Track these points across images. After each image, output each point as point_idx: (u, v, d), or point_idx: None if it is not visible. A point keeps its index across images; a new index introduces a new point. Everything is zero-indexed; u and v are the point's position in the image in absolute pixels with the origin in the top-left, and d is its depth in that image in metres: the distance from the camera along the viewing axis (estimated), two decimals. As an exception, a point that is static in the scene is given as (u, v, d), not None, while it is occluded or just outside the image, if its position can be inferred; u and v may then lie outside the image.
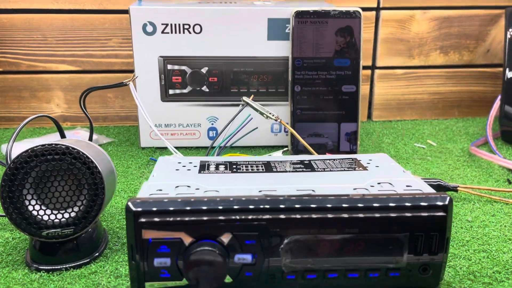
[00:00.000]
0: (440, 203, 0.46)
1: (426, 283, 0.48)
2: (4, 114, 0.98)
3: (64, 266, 0.52)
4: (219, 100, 0.88)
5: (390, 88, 1.06)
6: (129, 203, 0.44)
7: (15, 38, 0.93)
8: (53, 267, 0.52)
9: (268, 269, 0.45)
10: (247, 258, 0.45)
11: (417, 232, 0.46)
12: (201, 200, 0.45)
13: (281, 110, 0.88)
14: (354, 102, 0.84)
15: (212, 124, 0.89)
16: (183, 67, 0.85)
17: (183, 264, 0.43)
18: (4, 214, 0.50)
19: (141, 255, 0.44)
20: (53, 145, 0.50)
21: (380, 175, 0.55)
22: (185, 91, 0.87)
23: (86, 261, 0.53)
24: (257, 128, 0.87)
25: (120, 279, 0.50)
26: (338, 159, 0.63)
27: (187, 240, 0.44)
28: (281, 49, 0.85)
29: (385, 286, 0.47)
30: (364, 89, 1.05)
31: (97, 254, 0.54)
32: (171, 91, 0.86)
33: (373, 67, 1.04)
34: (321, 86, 0.83)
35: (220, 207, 0.44)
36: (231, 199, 0.45)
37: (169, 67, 0.85)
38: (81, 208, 0.51)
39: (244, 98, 0.78)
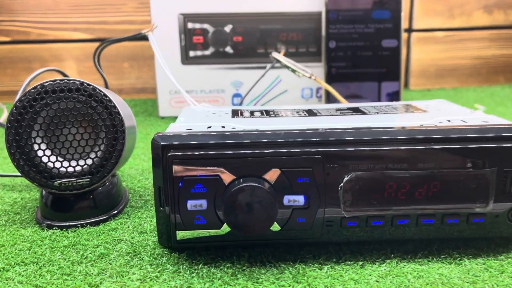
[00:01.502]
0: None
1: (515, 232, 0.39)
2: (14, 87, 0.91)
3: (79, 223, 0.45)
4: (244, 63, 0.80)
5: (428, 53, 0.97)
6: (156, 137, 0.37)
7: (25, 4, 0.87)
8: (68, 224, 0.44)
9: (324, 214, 0.37)
10: (299, 200, 0.37)
11: (507, 166, 0.37)
12: (241, 133, 0.37)
13: (314, 73, 0.80)
14: (396, 58, 0.76)
15: (237, 89, 0.82)
16: (205, 25, 0.78)
17: (223, 206, 0.35)
18: (11, 161, 0.43)
19: (172, 197, 0.36)
20: (65, 81, 0.43)
21: (446, 114, 0.47)
22: (207, 52, 0.79)
23: (104, 217, 0.46)
24: (286, 91, 0.79)
25: (145, 234, 0.42)
26: (390, 105, 0.54)
27: (227, 178, 0.36)
28: (313, 2, 0.77)
29: (465, 235, 0.39)
30: (399, 54, 0.96)
31: (116, 211, 0.47)
32: (191, 53, 0.79)
33: (409, 30, 0.96)
34: (358, 41, 0.75)
35: (265, 140, 0.37)
36: (278, 132, 0.37)
37: (190, 25, 0.78)
38: (98, 154, 0.44)
39: (274, 53, 0.71)
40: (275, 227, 0.37)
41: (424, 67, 0.97)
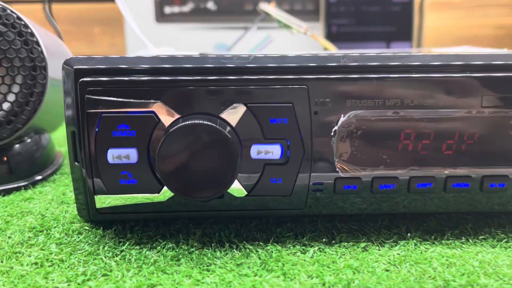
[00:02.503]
0: None
1: None
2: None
3: (-17, 190, 0.33)
4: (229, 21, 0.69)
5: (444, 20, 0.85)
6: (68, 60, 0.25)
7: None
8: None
9: (310, 174, 0.26)
10: (273, 151, 0.25)
11: None
12: (190, 57, 0.26)
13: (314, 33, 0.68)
14: (408, 15, 0.64)
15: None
16: (184, -24, 0.67)
17: (157, 158, 0.23)
18: None
19: (87, 145, 0.25)
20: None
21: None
22: (185, 9, 0.68)
23: (21, 184, 0.34)
24: (279, 53, 0.67)
25: (66, 205, 0.31)
26: (399, 52, 0.43)
27: (167, 116, 0.24)
28: (310, -51, 0.66)
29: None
30: (410, 21, 0.84)
31: (39, 177, 0.35)
32: (167, 9, 0.68)
33: (422, -7, 0.84)
34: (363, -6, 0.64)
35: (225, 64, 0.25)
36: (244, 55, 0.26)
37: (166, -24, 0.66)
38: (9, 99, 0.32)
39: (262, 5, 0.59)
40: (239, 191, 0.26)
41: (439, 36, 0.85)
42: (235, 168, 0.23)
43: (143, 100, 0.24)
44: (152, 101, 0.24)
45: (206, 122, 0.23)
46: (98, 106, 0.24)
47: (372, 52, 0.29)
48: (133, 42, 0.67)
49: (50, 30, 0.51)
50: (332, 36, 0.64)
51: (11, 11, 0.32)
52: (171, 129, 0.23)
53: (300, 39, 0.63)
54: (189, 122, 0.23)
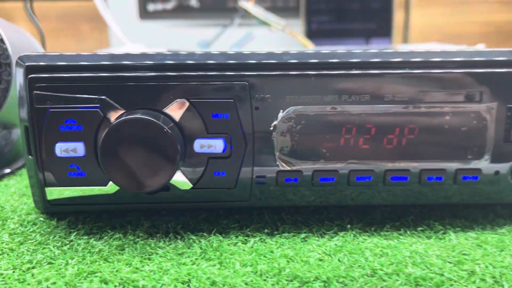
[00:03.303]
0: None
1: (523, 197, 0.28)
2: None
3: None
4: (212, 18, 0.69)
5: (430, 17, 0.86)
6: (21, 57, 0.26)
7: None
8: None
9: (253, 167, 0.27)
10: (216, 145, 0.26)
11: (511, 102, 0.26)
12: (136, 54, 0.27)
13: (292, 30, 0.68)
14: (388, 11, 0.64)
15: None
16: (166, -26, 0.67)
17: (102, 151, 0.24)
18: None
19: (38, 139, 0.26)
20: None
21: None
22: (168, 6, 0.69)
23: (-13, 178, 0.35)
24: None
25: (26, 197, 0.32)
26: (368, 48, 0.43)
27: (112, 111, 0.25)
28: None
29: (453, 201, 0.28)
30: (397, 18, 0.85)
31: (8, 171, 0.37)
32: (151, 6, 0.69)
33: (408, -11, 0.85)
34: (342, -9, 0.64)
35: (167, 62, 0.26)
36: (187, 53, 0.27)
37: (149, -26, 0.67)
38: (-25, 95, 0.34)
39: (241, 2, 0.60)
40: (185, 184, 0.27)
41: (426, 34, 0.86)
42: (175, 161, 0.24)
43: (89, 96, 0.25)
44: (97, 96, 0.25)
45: (146, 117, 0.24)
46: (46, 102, 0.25)
47: (312, 50, 0.30)
48: (116, 38, 0.68)
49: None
50: (312, 33, 0.65)
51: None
52: (113, 123, 0.24)
53: (279, 36, 0.64)
54: (130, 116, 0.24)
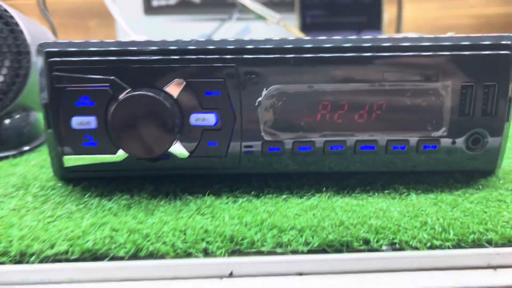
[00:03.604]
0: (501, 42, 0.30)
1: (475, 164, 0.32)
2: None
3: (-23, 157, 0.39)
4: (213, 13, 0.74)
5: (422, 11, 0.89)
6: (41, 43, 0.31)
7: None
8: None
9: (241, 138, 0.31)
10: (209, 118, 0.30)
11: (465, 80, 0.30)
12: (139, 41, 0.31)
13: (288, 24, 0.72)
14: (378, 5, 0.68)
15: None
16: (169, -28, 0.72)
17: (111, 123, 0.29)
18: None
19: (56, 114, 0.30)
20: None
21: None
22: (171, 2, 0.73)
23: (12, 153, 0.40)
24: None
25: (45, 168, 0.37)
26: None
27: (120, 90, 0.30)
28: None
29: (416, 168, 0.32)
30: (390, 12, 0.89)
31: (27, 148, 0.41)
32: (155, 2, 0.73)
33: (400, -16, 0.88)
34: (334, -14, 0.68)
35: (165, 47, 0.30)
36: (183, 40, 0.31)
37: (153, -28, 0.72)
38: (1, 80, 0.38)
39: (239, -3, 0.64)
40: (182, 154, 0.31)
41: (418, 27, 0.89)
42: (174, 132, 0.29)
43: (100, 76, 0.30)
44: (107, 77, 0.30)
45: (149, 93, 0.29)
46: (63, 82, 0.30)
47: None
48: (123, 33, 0.72)
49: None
50: (306, 26, 0.69)
51: (5, 9, 0.38)
52: (121, 99, 0.29)
53: (275, 29, 0.68)
54: (135, 92, 0.29)
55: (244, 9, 0.66)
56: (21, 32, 0.38)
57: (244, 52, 0.30)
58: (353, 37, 0.31)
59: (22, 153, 0.41)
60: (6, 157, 0.39)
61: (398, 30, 0.91)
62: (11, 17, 0.38)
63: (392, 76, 0.30)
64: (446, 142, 0.31)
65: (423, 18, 0.90)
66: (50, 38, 0.44)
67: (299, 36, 0.62)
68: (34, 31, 0.40)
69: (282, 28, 0.66)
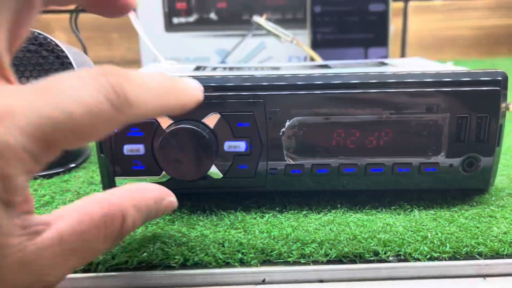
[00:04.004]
0: (492, 78, 0.35)
1: (470, 183, 0.37)
2: None
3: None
4: (228, 30, 0.79)
5: (426, 23, 0.94)
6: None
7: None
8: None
9: (267, 161, 0.36)
10: (240, 145, 0.35)
11: (461, 112, 0.35)
12: (181, 76, 0.36)
13: (300, 40, 0.77)
14: (383, 23, 0.73)
15: (222, 58, 0.80)
16: (189, -9, 0.77)
17: (158, 150, 0.34)
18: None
19: (109, 142, 0.35)
20: (17, 30, 0.42)
21: (414, 68, 0.44)
22: (190, 19, 0.78)
23: (59, 170, 0.45)
24: (271, 57, 0.77)
25: (95, 185, 0.42)
26: (363, 62, 0.52)
27: (164, 122, 0.35)
28: (298, -34, 0.75)
29: (419, 187, 0.37)
30: (396, 24, 0.93)
31: (73, 165, 0.46)
32: (175, 20, 0.78)
33: (406, -1, 0.93)
34: (344, 5, 0.73)
35: (205, 84, 0.35)
36: (218, 76, 0.36)
37: (173, -9, 0.77)
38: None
39: (255, 17, 0.69)
40: (217, 174, 0.36)
41: (422, 38, 0.94)
42: (211, 157, 0.34)
43: (147, 111, 0.35)
44: (154, 111, 0.35)
45: (191, 126, 0.34)
46: (117, 115, 0.35)
47: (316, 72, 0.39)
48: (147, 48, 0.77)
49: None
50: (317, 42, 0.74)
51: (51, 39, 0.43)
52: (167, 131, 0.34)
53: (288, 45, 0.73)
54: (179, 126, 0.34)
55: (260, 27, 0.71)
56: (70, 64, 0.43)
57: (271, 89, 0.35)
58: (363, 73, 0.35)
59: (69, 169, 0.46)
60: (58, 174, 0.45)
61: (403, 42, 0.95)
62: (62, 51, 0.43)
63: (398, 108, 0.35)
64: (444, 164, 0.36)
65: (427, 29, 0.95)
66: (89, 64, 0.50)
67: (312, 55, 0.67)
68: (79, 60, 0.45)
69: (295, 45, 0.71)
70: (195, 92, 0.28)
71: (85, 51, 0.65)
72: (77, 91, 0.20)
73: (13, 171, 0.18)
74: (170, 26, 0.78)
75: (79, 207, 0.23)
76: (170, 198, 0.29)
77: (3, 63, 0.21)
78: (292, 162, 0.36)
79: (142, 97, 0.22)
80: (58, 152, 0.20)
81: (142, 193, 0.26)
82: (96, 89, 0.20)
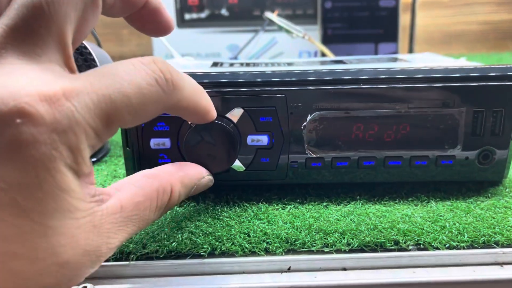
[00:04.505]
0: (507, 73, 0.36)
1: (485, 176, 0.38)
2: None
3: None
4: (240, 25, 0.80)
5: (434, 18, 0.95)
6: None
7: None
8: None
9: (288, 155, 0.37)
10: (262, 139, 0.37)
11: (477, 107, 0.36)
12: (205, 74, 0.37)
13: (310, 35, 0.78)
14: (394, 18, 0.74)
15: (233, 53, 0.81)
16: (201, -13, 0.78)
17: (184, 144, 0.35)
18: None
19: (136, 136, 0.37)
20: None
21: (427, 63, 0.45)
22: (202, 15, 0.79)
23: (82, 164, 0.46)
24: (282, 53, 0.78)
25: (118, 178, 0.43)
26: (376, 57, 0.53)
27: (189, 116, 0.36)
28: (309, -38, 0.76)
29: (435, 179, 0.38)
30: (404, 20, 0.94)
31: (94, 159, 0.48)
32: (187, 16, 0.79)
33: (414, -6, 0.93)
34: (355, 1, 0.74)
35: (226, 80, 0.36)
36: (241, 72, 0.37)
37: (185, -13, 0.77)
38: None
39: (267, 13, 0.70)
40: (240, 167, 0.37)
41: (430, 33, 0.95)
42: (236, 151, 0.35)
43: (173, 106, 0.36)
44: (179, 106, 0.36)
45: (216, 121, 0.35)
46: (144, 110, 0.36)
47: (330, 68, 0.40)
48: (159, 45, 0.78)
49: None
50: (328, 38, 0.75)
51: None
52: (193, 126, 0.35)
53: (298, 41, 0.74)
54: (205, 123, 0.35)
55: (271, 22, 0.72)
56: (93, 60, 0.44)
57: (293, 84, 0.36)
58: (384, 69, 0.36)
59: (92, 163, 0.47)
60: (81, 167, 0.46)
61: (411, 37, 0.96)
62: (85, 47, 0.44)
63: (416, 103, 0.36)
64: (460, 157, 0.37)
65: (434, 25, 0.95)
66: (109, 60, 0.51)
67: (323, 50, 0.68)
68: (100, 56, 0.46)
69: (307, 40, 0.72)
70: (213, 108, 0.31)
71: (99, 44, 0.66)
72: (131, 75, 0.22)
73: (82, 145, 0.20)
74: (182, 22, 0.79)
75: (134, 180, 0.26)
76: (208, 176, 0.33)
77: (70, 55, 0.22)
78: (313, 155, 0.37)
79: (183, 84, 0.25)
80: (115, 131, 0.22)
81: (186, 170, 0.30)
82: (148, 74, 0.23)
